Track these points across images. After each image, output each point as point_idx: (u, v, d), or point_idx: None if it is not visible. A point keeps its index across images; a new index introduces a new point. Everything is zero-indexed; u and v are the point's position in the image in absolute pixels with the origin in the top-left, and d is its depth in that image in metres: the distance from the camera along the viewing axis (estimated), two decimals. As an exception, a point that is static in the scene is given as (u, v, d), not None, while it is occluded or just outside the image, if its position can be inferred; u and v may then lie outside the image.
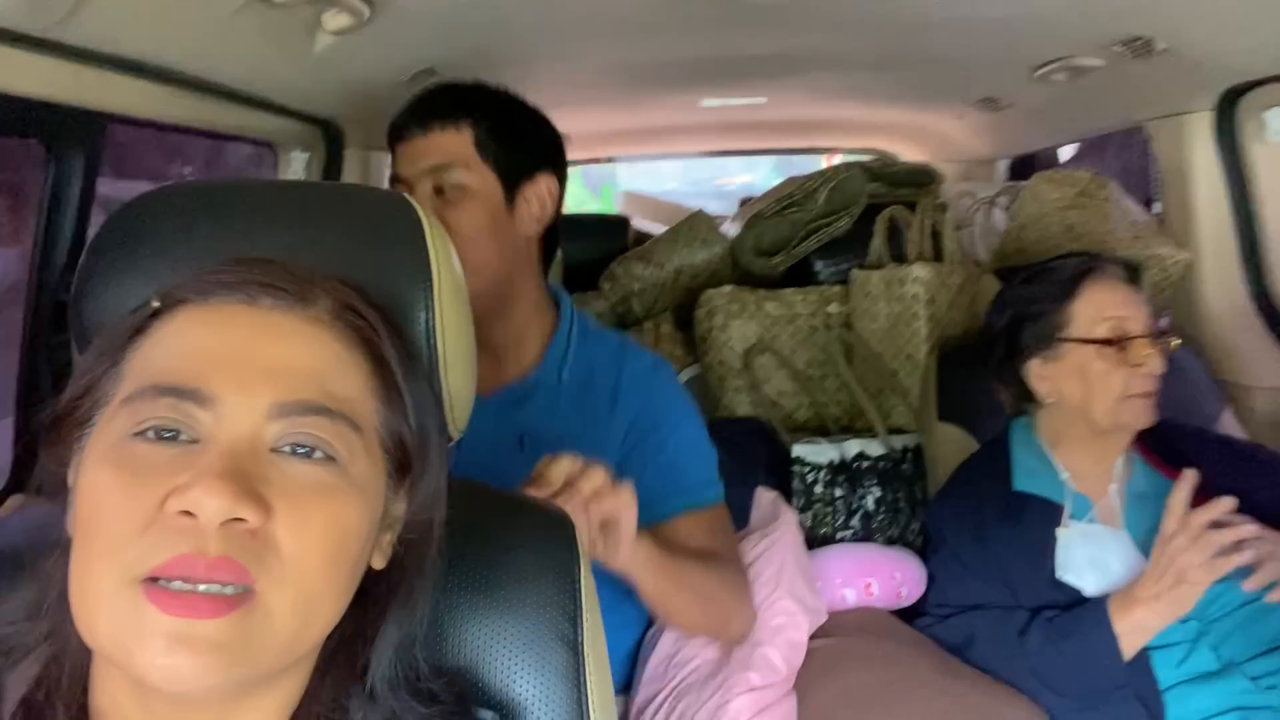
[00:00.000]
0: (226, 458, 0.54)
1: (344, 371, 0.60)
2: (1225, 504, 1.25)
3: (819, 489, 1.86)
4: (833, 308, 2.15)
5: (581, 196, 5.96)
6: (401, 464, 0.63)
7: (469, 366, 0.78)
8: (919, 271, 1.97)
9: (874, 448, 1.86)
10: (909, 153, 3.24)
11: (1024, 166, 2.97)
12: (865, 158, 2.72)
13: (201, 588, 0.52)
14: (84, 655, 0.59)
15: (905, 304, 1.99)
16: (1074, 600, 1.38)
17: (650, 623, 1.38)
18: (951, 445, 1.75)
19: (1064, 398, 1.46)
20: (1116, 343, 1.41)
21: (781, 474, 1.82)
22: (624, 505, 0.99)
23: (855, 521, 1.83)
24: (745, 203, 3.00)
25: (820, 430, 2.11)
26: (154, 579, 0.52)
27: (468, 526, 0.70)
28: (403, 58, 1.66)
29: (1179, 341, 1.49)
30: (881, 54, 2.01)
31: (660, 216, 3.31)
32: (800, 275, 2.28)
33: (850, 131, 3.27)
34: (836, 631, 1.45)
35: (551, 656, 0.71)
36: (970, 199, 2.36)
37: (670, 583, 1.11)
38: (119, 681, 0.58)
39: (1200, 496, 1.29)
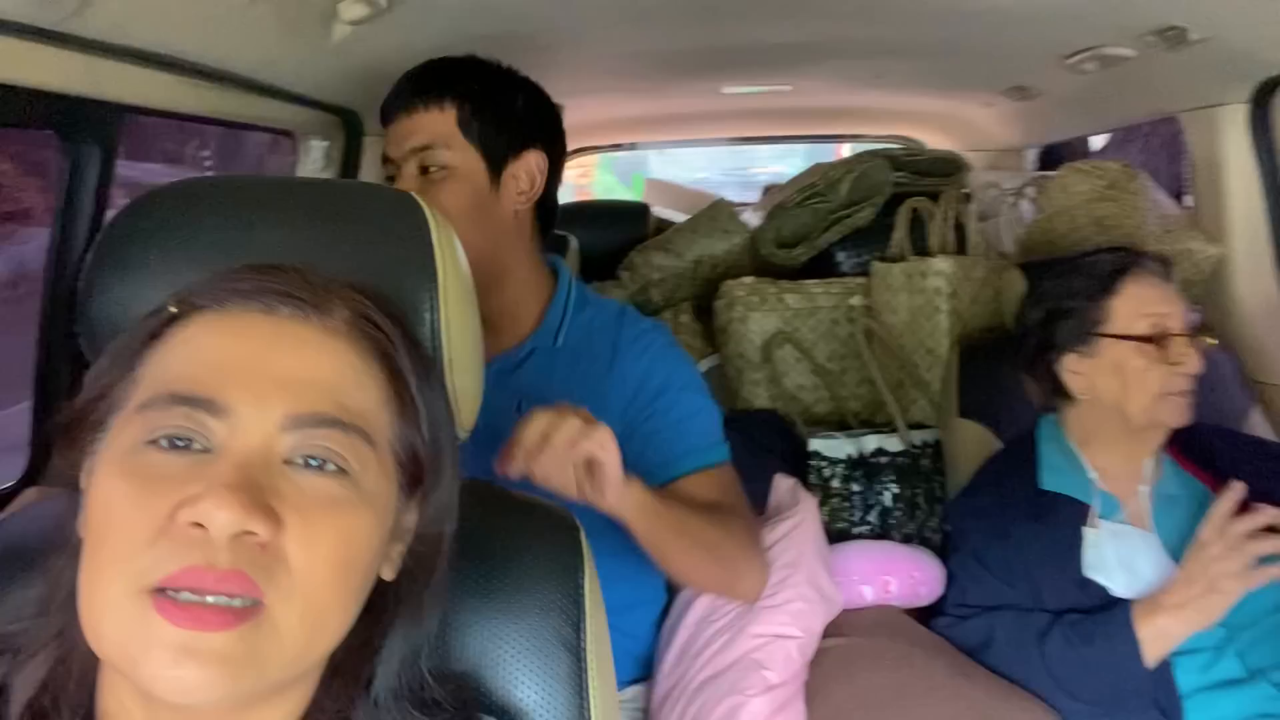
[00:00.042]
0: (238, 469, 0.54)
1: (359, 383, 0.60)
2: (1267, 515, 1.24)
3: (836, 484, 1.84)
4: (855, 300, 2.13)
5: (611, 184, 5.94)
6: (414, 476, 0.62)
7: (476, 365, 0.77)
8: (940, 264, 1.94)
9: (892, 443, 1.85)
10: (936, 141, 3.20)
11: (1052, 156, 2.92)
12: (889, 146, 2.68)
13: (210, 599, 0.52)
14: (91, 659, 0.59)
15: (926, 297, 1.96)
16: (1101, 601, 1.36)
17: (669, 603, 1.39)
18: (972, 442, 1.73)
19: (1098, 394, 1.44)
20: (1156, 340, 1.39)
21: (798, 467, 1.80)
22: (600, 444, 1.00)
23: (872, 517, 1.81)
24: (768, 190, 2.98)
25: (840, 424, 2.09)
26: (162, 590, 0.52)
27: (472, 528, 0.69)
28: (422, 46, 1.64)
29: (1214, 341, 1.46)
30: (909, 41, 1.97)
31: (681, 204, 3.29)
32: (822, 266, 2.26)
33: (876, 119, 3.24)
34: (850, 631, 1.44)
35: (554, 662, 0.71)
36: (996, 190, 2.32)
37: (669, 530, 1.11)
38: (126, 687, 0.58)
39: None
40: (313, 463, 0.56)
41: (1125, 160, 2.01)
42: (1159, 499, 1.44)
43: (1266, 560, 1.25)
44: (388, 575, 0.63)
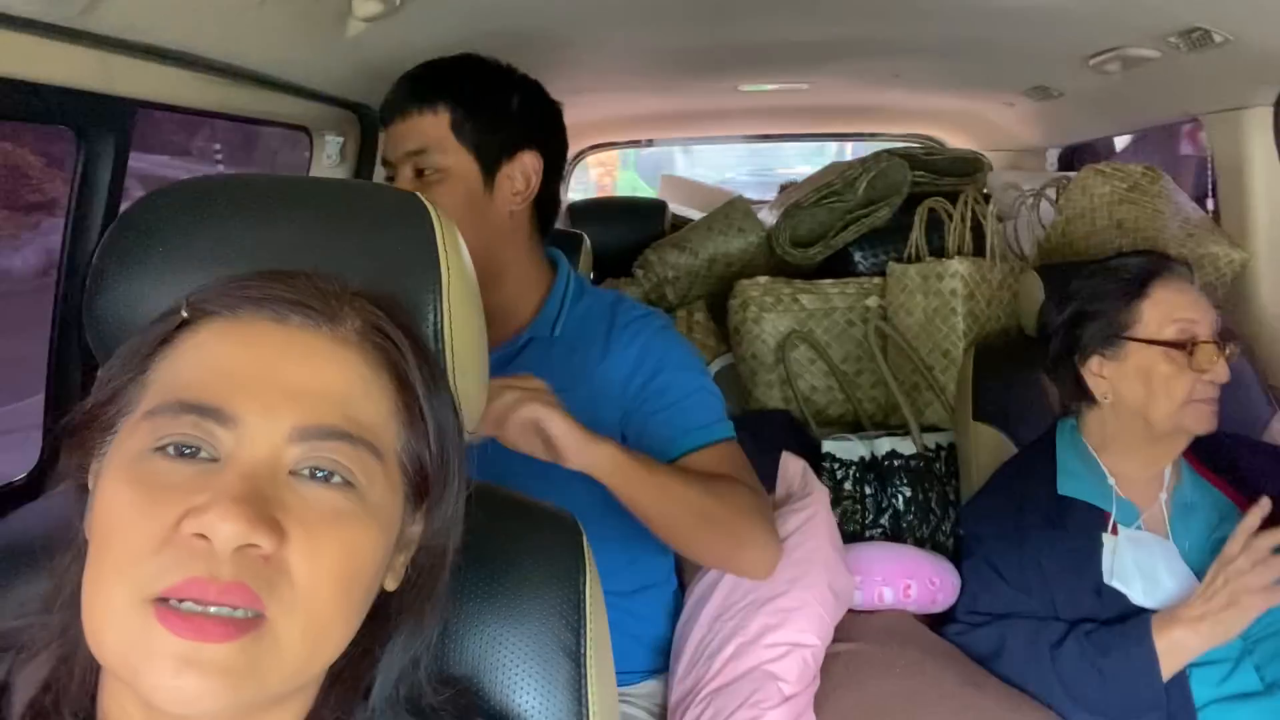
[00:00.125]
0: (245, 480, 0.54)
1: (368, 394, 0.59)
2: None
3: (848, 486, 1.83)
4: (871, 301, 2.12)
5: (635, 184, 5.91)
6: (420, 488, 0.62)
7: (480, 367, 0.77)
8: (957, 266, 1.93)
9: (906, 446, 1.83)
10: (957, 140, 3.17)
11: (1074, 156, 2.89)
12: (909, 145, 2.66)
13: (212, 610, 0.52)
14: (93, 660, 0.59)
15: (942, 299, 1.95)
16: (1119, 609, 1.35)
17: (678, 590, 1.39)
18: (987, 446, 1.71)
19: (1122, 399, 1.42)
20: (1184, 346, 1.37)
21: (811, 468, 1.79)
22: (534, 411, 1.03)
23: (885, 520, 1.80)
24: (785, 188, 2.96)
25: (854, 426, 2.08)
26: (165, 599, 0.52)
27: (473, 531, 0.69)
28: (436, 42, 1.64)
29: (1239, 349, 1.44)
30: (928, 41, 1.96)
31: (697, 202, 3.28)
32: (838, 265, 2.25)
33: (896, 117, 3.22)
34: (861, 636, 1.43)
35: (554, 667, 0.71)
36: (1015, 191, 2.30)
37: (651, 490, 1.11)
38: (127, 692, 0.57)
39: (1251, 505, 1.26)
40: (319, 474, 0.56)
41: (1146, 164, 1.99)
42: (1177, 507, 1.42)
43: None
44: (390, 586, 0.63)
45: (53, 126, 1.19)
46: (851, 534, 1.79)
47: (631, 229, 2.79)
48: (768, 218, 2.41)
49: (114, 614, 0.52)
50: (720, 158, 6.74)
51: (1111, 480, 1.44)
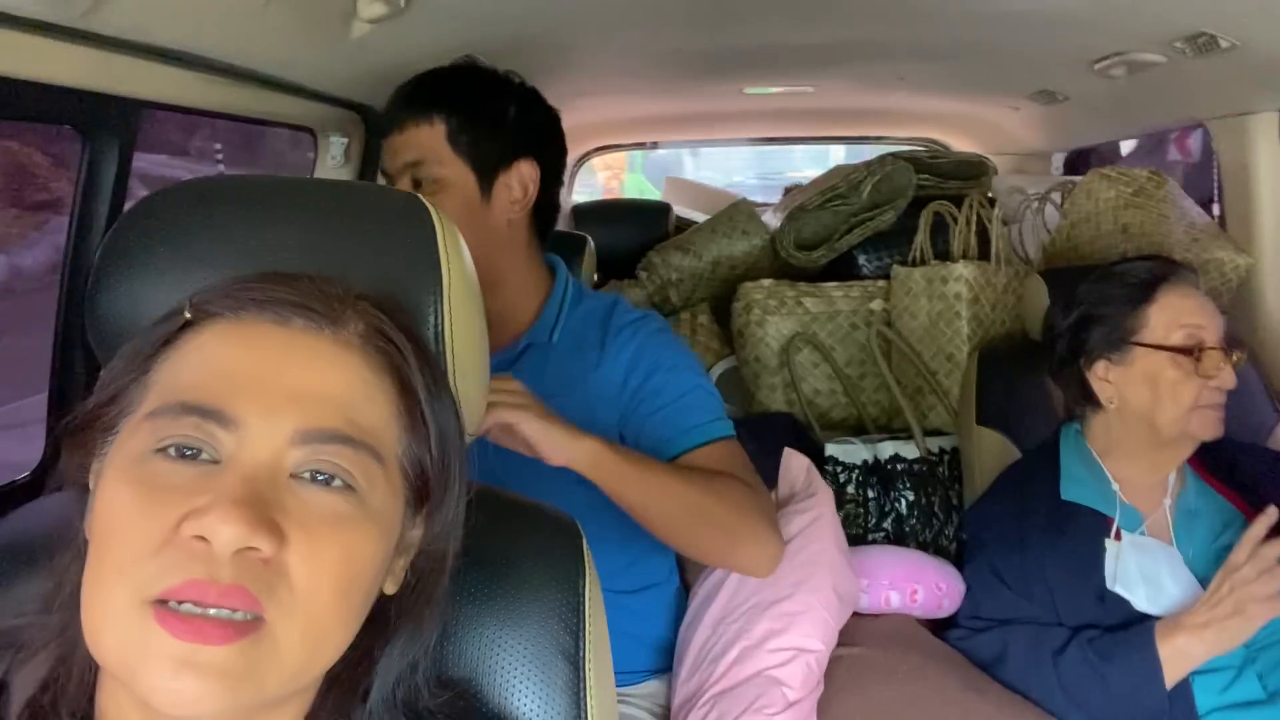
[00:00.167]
0: (245, 483, 0.54)
1: (370, 398, 0.60)
2: None
3: (851, 489, 1.83)
4: (875, 304, 2.12)
5: (643, 187, 5.90)
6: (420, 492, 0.62)
7: (481, 370, 0.77)
8: (962, 269, 1.92)
9: (909, 450, 1.83)
10: (962, 143, 3.17)
11: (1079, 160, 2.89)
12: (915, 149, 2.65)
13: (212, 612, 0.52)
14: (92, 661, 0.59)
15: (947, 302, 1.95)
16: (1122, 615, 1.34)
17: (680, 590, 1.38)
18: (990, 451, 1.71)
19: (1127, 404, 1.41)
20: (1191, 352, 1.36)
21: (815, 467, 1.79)
22: (498, 405, 1.04)
23: (888, 524, 1.80)
24: (789, 191, 2.96)
25: (857, 430, 2.08)
26: (164, 601, 0.52)
27: (472, 533, 0.69)
28: (441, 45, 1.64)
29: (1245, 355, 1.43)
30: (934, 44, 1.96)
31: (702, 204, 3.28)
32: (843, 268, 2.24)
33: (901, 121, 3.22)
34: (865, 640, 1.42)
35: (552, 670, 0.71)
36: (1021, 194, 2.30)
37: (640, 485, 1.11)
38: (125, 693, 0.57)
39: (1255, 512, 1.25)
40: (320, 478, 0.56)
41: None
42: (1181, 513, 1.41)
43: None
44: (390, 589, 0.63)
45: (58, 126, 1.19)
46: (854, 538, 1.78)
47: (636, 231, 2.79)
48: (772, 220, 2.41)
49: (113, 615, 0.52)
50: (728, 161, 6.75)
51: (1115, 485, 1.44)
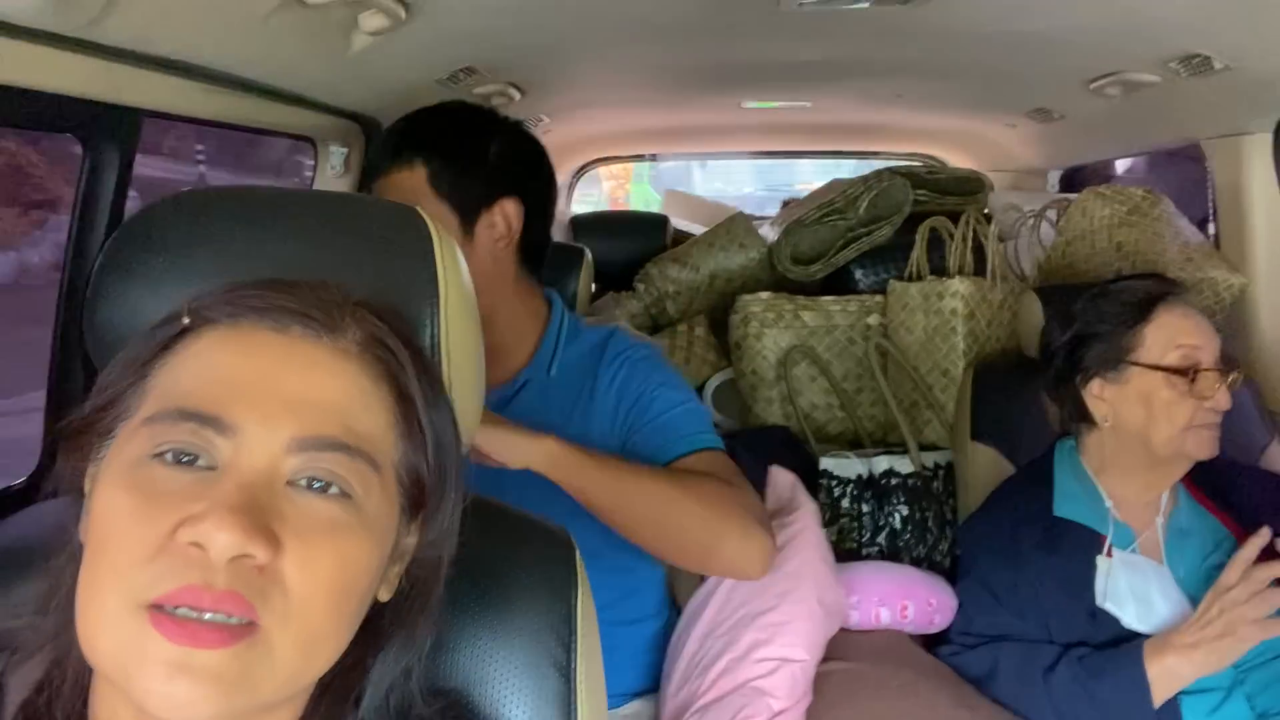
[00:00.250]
0: (242, 490, 0.54)
1: (367, 406, 0.60)
2: None
3: (845, 503, 1.83)
4: (872, 319, 2.12)
5: (649, 198, 5.90)
6: (416, 499, 0.62)
7: (476, 381, 0.77)
8: (958, 285, 1.93)
9: (904, 465, 1.83)
10: (958, 160, 3.19)
11: (1075, 178, 2.90)
12: (912, 164, 2.67)
13: (207, 616, 0.52)
14: (87, 663, 0.59)
15: (943, 318, 1.95)
16: (1112, 633, 1.34)
17: (672, 617, 1.38)
18: (984, 466, 1.71)
19: (1122, 422, 1.41)
20: (1186, 372, 1.36)
21: (808, 485, 1.79)
22: None
23: (881, 539, 1.80)
24: (787, 204, 2.97)
25: (853, 444, 2.08)
26: (159, 606, 0.52)
27: (465, 544, 0.69)
28: (441, 57, 1.66)
29: (1242, 376, 1.43)
30: (931, 62, 1.97)
31: (700, 217, 3.29)
32: (839, 283, 2.25)
33: (898, 136, 3.23)
34: (857, 654, 1.42)
35: (543, 682, 0.71)
36: (1016, 212, 2.31)
37: (604, 482, 1.11)
38: (119, 696, 0.57)
39: (1246, 533, 1.26)
40: (316, 485, 0.56)
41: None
42: (1173, 532, 1.41)
43: None
44: (384, 596, 0.63)
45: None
46: (848, 552, 1.78)
47: (633, 243, 2.80)
48: (769, 234, 2.42)
49: (108, 619, 0.53)
50: (736, 173, 6.76)
51: (1109, 502, 1.44)
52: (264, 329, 0.59)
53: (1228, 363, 1.39)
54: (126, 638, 0.52)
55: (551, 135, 2.53)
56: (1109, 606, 1.36)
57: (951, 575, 1.61)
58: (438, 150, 1.25)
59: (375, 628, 0.62)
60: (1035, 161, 2.88)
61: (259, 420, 0.56)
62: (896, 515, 1.80)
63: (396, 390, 0.61)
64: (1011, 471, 1.64)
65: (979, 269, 2.02)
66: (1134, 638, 1.33)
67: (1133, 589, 1.37)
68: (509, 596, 0.72)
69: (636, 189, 6.07)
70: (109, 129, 1.18)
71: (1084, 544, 1.41)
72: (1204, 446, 1.37)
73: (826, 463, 1.85)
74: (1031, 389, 1.61)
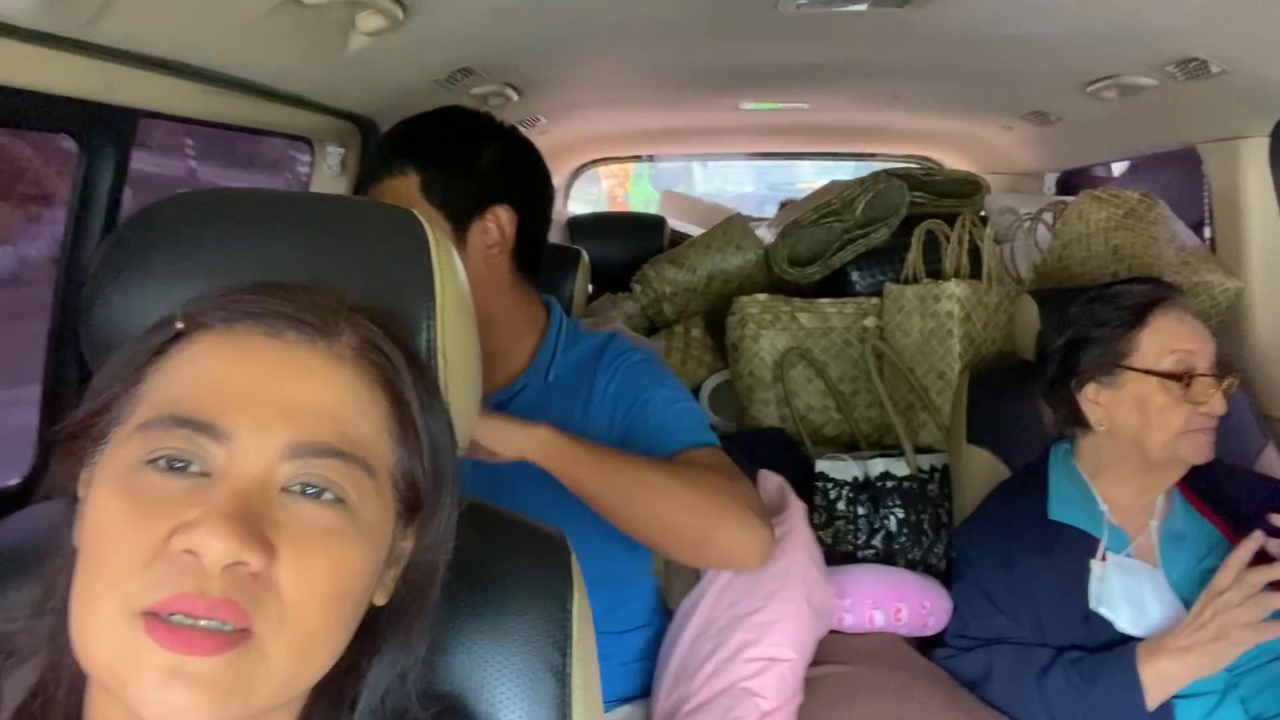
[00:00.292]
0: (236, 497, 0.54)
1: (362, 411, 0.60)
2: None
3: (841, 506, 1.84)
4: (869, 321, 2.13)
5: (649, 196, 5.88)
6: (412, 504, 0.62)
7: (473, 384, 0.77)
8: (954, 288, 1.93)
9: (899, 467, 1.83)
10: (955, 162, 3.19)
11: (1072, 181, 2.91)
12: (909, 166, 2.67)
13: (202, 623, 0.52)
14: (81, 669, 0.59)
15: (939, 321, 1.95)
16: (1105, 636, 1.35)
17: (663, 625, 1.37)
18: (980, 469, 1.71)
19: (1117, 426, 1.41)
20: (1181, 378, 1.36)
21: (804, 487, 1.79)
22: None
23: (877, 541, 1.80)
24: (785, 205, 2.98)
25: (849, 446, 2.08)
26: (154, 613, 0.52)
27: (462, 549, 0.69)
28: (439, 58, 1.66)
29: (1238, 381, 1.43)
30: (927, 65, 1.97)
31: (697, 218, 3.29)
32: (836, 285, 2.25)
33: (895, 138, 3.23)
34: (852, 658, 1.43)
35: (539, 686, 0.71)
36: (1013, 214, 2.31)
37: (596, 470, 1.11)
38: (113, 702, 0.57)
39: (1240, 537, 1.26)
40: (311, 491, 0.56)
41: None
42: (1167, 536, 1.41)
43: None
44: (380, 601, 0.63)
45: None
46: (844, 555, 1.78)
47: (630, 244, 2.80)
48: (766, 235, 2.42)
49: (102, 626, 0.53)
50: (737, 172, 6.75)
51: (1104, 506, 1.44)
52: (258, 334, 0.59)
53: (1223, 368, 1.39)
54: (121, 645, 0.52)
55: (548, 136, 2.53)
56: (1103, 610, 1.37)
57: (946, 578, 1.61)
58: (430, 158, 1.25)
59: (371, 632, 0.62)
60: (1031, 164, 2.88)
61: (253, 427, 0.55)
62: (892, 518, 1.81)
63: (392, 395, 0.61)
64: (1007, 475, 1.65)
65: (975, 272, 2.02)
66: (1128, 641, 1.33)
67: (1126, 592, 1.37)
68: (505, 600, 0.72)
69: (636, 187, 6.06)
70: (105, 129, 1.18)
71: (1078, 547, 1.41)
72: (1199, 451, 1.37)
73: (822, 465, 1.86)
74: (1027, 392, 1.61)
